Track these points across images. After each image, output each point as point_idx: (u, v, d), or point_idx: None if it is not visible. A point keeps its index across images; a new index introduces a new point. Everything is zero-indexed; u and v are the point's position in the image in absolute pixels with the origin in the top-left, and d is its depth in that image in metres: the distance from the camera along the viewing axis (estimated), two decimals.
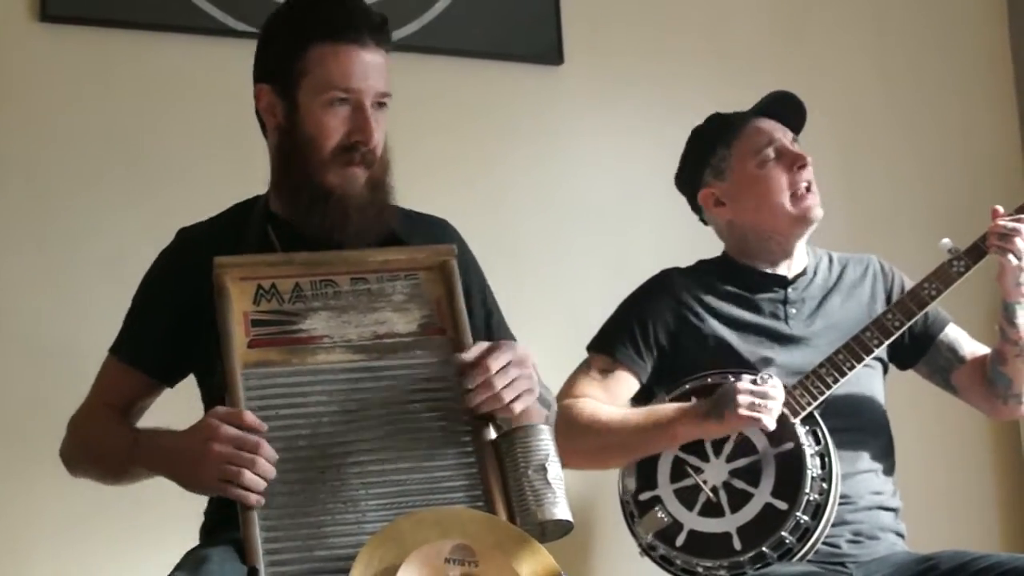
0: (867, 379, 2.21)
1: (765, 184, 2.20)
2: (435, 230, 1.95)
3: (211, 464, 1.59)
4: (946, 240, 2.18)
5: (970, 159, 3.40)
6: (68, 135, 2.50)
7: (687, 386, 2.16)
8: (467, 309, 1.77)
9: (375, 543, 1.56)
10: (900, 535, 2.20)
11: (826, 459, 2.06)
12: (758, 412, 2.01)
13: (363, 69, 1.79)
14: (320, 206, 1.79)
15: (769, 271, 2.26)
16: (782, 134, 2.24)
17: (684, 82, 3.09)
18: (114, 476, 1.85)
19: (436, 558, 1.54)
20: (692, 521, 2.09)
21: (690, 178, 2.31)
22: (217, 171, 2.52)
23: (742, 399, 2.01)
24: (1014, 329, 2.17)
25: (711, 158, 2.26)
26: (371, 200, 1.81)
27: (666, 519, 2.10)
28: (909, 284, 2.27)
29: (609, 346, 2.24)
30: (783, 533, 2.03)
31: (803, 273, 2.27)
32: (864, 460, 2.17)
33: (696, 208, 2.34)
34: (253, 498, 1.58)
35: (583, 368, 2.25)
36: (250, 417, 1.61)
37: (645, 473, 2.14)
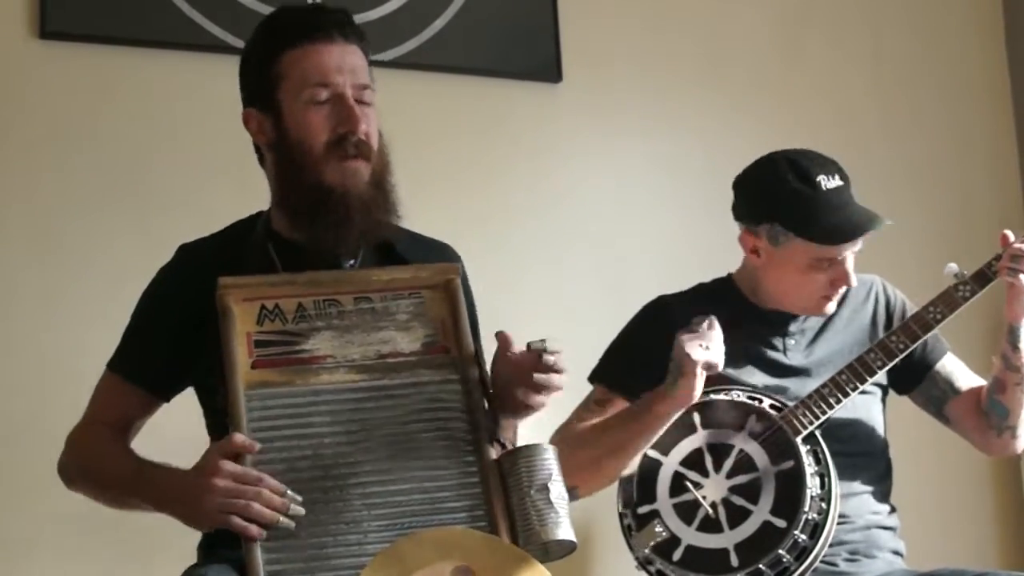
0: (866, 403, 2.21)
1: (803, 281, 2.18)
2: (436, 254, 1.94)
3: (213, 498, 1.59)
4: (952, 265, 2.17)
5: (967, 178, 3.41)
6: (68, 152, 2.50)
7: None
8: None
9: (377, 564, 1.55)
10: (899, 553, 2.19)
11: (826, 479, 2.06)
12: (707, 352, 1.98)
13: (337, 62, 1.80)
14: (322, 208, 1.78)
15: (771, 308, 2.25)
16: (847, 252, 2.17)
17: (682, 100, 3.10)
18: (110, 501, 1.85)
19: None
20: (690, 536, 2.08)
21: (750, 211, 2.22)
22: (218, 188, 2.52)
23: (688, 347, 1.98)
24: (1018, 354, 2.15)
25: (775, 224, 2.17)
26: (374, 198, 1.81)
27: (664, 533, 2.09)
28: (911, 308, 2.26)
29: (606, 376, 2.25)
30: (781, 551, 2.02)
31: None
32: (862, 482, 2.17)
33: (736, 213, 2.27)
34: (255, 530, 1.58)
35: (583, 402, 2.25)
36: (239, 438, 1.61)
37: (644, 487, 2.13)
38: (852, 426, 2.18)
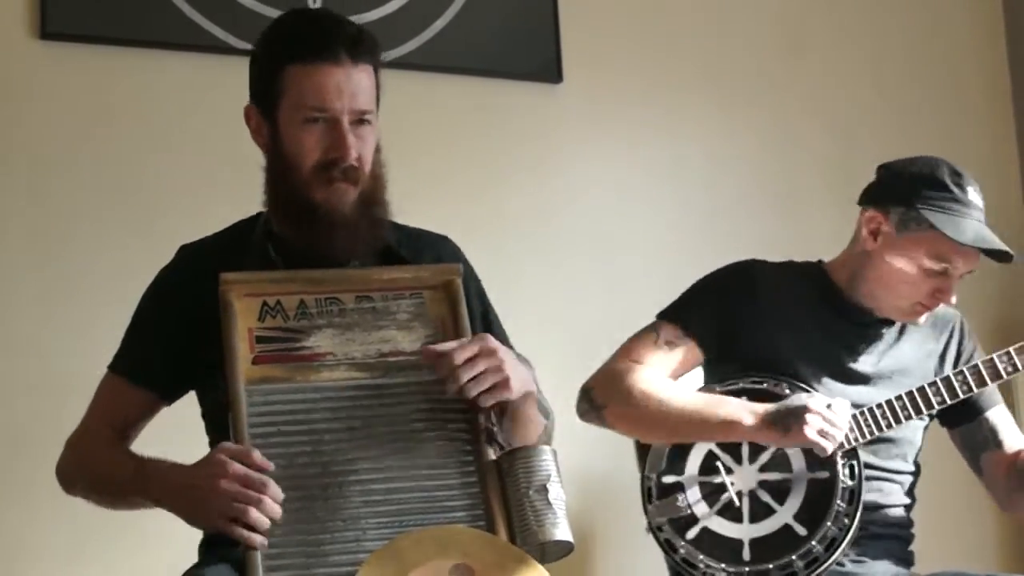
0: (912, 426, 2.19)
1: (909, 280, 2.14)
2: (437, 247, 1.95)
3: (217, 500, 1.58)
4: None
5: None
6: (68, 152, 2.50)
7: (740, 384, 2.14)
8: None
9: (374, 562, 1.55)
10: (908, 562, 2.19)
11: (855, 495, 2.06)
12: (824, 439, 1.99)
13: (336, 86, 1.78)
14: (307, 221, 1.78)
15: (862, 305, 2.22)
16: (965, 263, 2.14)
17: (683, 100, 3.10)
18: (111, 502, 1.84)
19: None
20: (709, 519, 2.09)
21: (891, 190, 2.18)
22: (218, 189, 2.53)
23: (812, 420, 1.98)
24: None
25: (910, 211, 2.13)
26: (362, 214, 1.80)
27: (685, 509, 2.10)
28: (980, 355, 2.24)
29: (684, 317, 2.20)
30: (794, 557, 2.03)
31: (889, 319, 2.23)
32: (886, 495, 2.16)
33: (870, 194, 2.23)
34: (257, 539, 1.56)
35: (649, 332, 2.20)
36: (257, 456, 1.60)
37: (674, 457, 2.13)
38: (892, 443, 2.17)
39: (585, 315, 2.84)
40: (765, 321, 2.16)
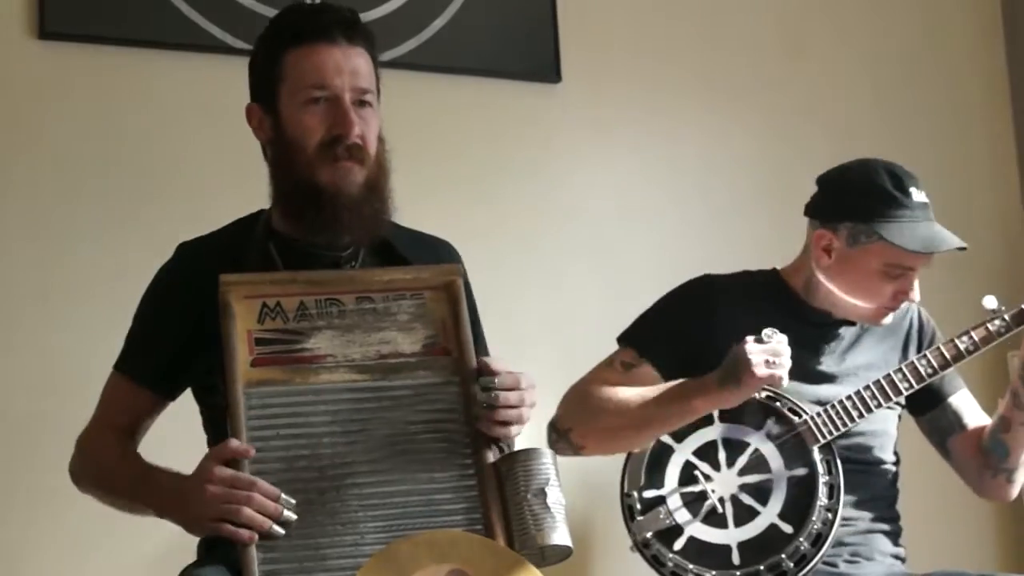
0: (884, 417, 2.20)
1: (869, 288, 2.16)
2: (438, 251, 1.95)
3: (207, 505, 1.59)
4: (990, 297, 2.16)
5: (967, 178, 3.41)
6: (67, 152, 2.50)
7: None
8: None
9: (372, 566, 1.55)
10: (900, 559, 2.20)
11: (835, 489, 2.07)
12: (773, 369, 1.99)
13: (336, 65, 1.80)
14: (313, 206, 1.78)
15: (820, 309, 2.23)
16: (921, 263, 2.15)
17: (682, 101, 3.10)
18: (120, 505, 1.85)
19: None
20: (694, 527, 2.09)
21: (835, 207, 2.19)
22: (216, 188, 2.52)
23: (755, 359, 1.98)
24: None
25: (858, 225, 2.14)
26: (366, 200, 1.80)
27: (668, 521, 2.10)
28: (940, 337, 2.26)
29: (638, 341, 2.23)
30: (783, 556, 2.04)
31: (850, 321, 2.24)
32: (869, 489, 2.17)
33: (815, 210, 2.23)
34: (245, 534, 1.57)
35: (608, 359, 2.23)
36: (234, 443, 1.61)
37: (653, 471, 2.14)
38: (867, 436, 2.18)
39: (583, 315, 2.84)
40: (726, 334, 2.14)
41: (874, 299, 2.17)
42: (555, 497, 1.63)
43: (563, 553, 1.64)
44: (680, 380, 2.12)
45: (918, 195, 2.15)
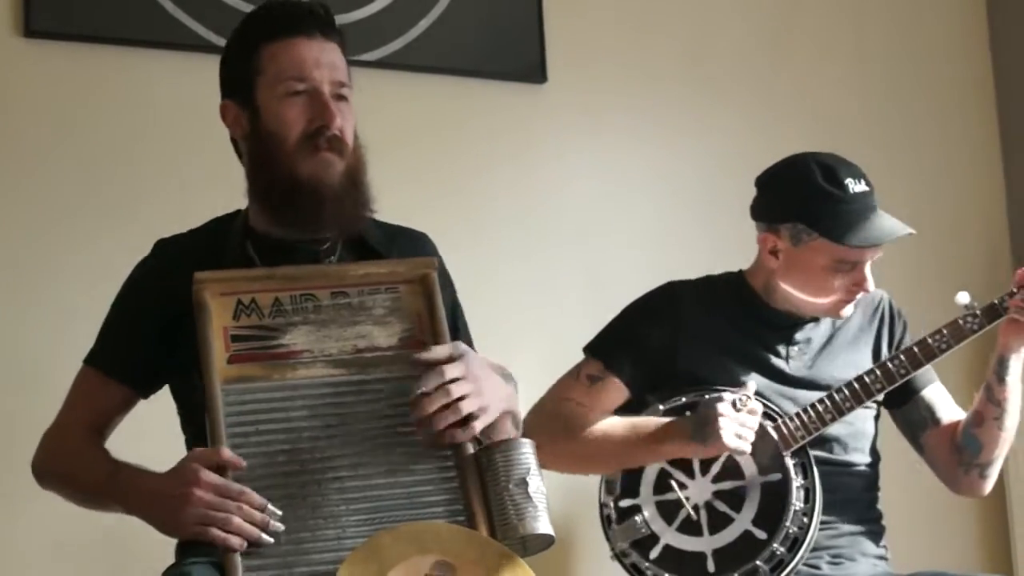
0: (861, 416, 2.19)
1: (821, 284, 2.15)
2: (415, 243, 1.95)
3: (192, 510, 1.58)
4: (964, 294, 2.14)
5: (951, 178, 3.42)
6: (51, 151, 2.50)
7: (683, 399, 2.15)
8: None
9: (355, 559, 1.55)
10: (883, 559, 2.20)
11: (811, 493, 2.07)
12: (739, 443, 2.01)
13: (314, 57, 1.80)
14: (293, 199, 1.78)
15: (782, 309, 2.22)
16: (869, 254, 2.14)
17: (667, 101, 3.11)
18: (85, 502, 1.84)
19: (416, 574, 1.54)
20: (669, 536, 2.10)
21: (773, 210, 2.18)
22: (200, 187, 2.52)
23: (726, 429, 2.00)
24: (1002, 387, 2.13)
25: (798, 225, 2.14)
26: (347, 192, 1.80)
27: (644, 530, 2.11)
28: (909, 327, 2.26)
29: (604, 353, 2.22)
30: (758, 562, 2.04)
31: (814, 317, 2.24)
32: (848, 490, 2.17)
33: (757, 212, 2.22)
34: (235, 541, 1.57)
35: (574, 370, 2.23)
36: (226, 454, 1.60)
37: (629, 480, 2.14)
38: (845, 437, 2.18)
39: (568, 316, 2.84)
40: (694, 341, 2.17)
41: (829, 294, 2.16)
42: (536, 487, 1.63)
43: (545, 542, 1.64)
44: (650, 419, 2.12)
45: (856, 185, 2.12)
